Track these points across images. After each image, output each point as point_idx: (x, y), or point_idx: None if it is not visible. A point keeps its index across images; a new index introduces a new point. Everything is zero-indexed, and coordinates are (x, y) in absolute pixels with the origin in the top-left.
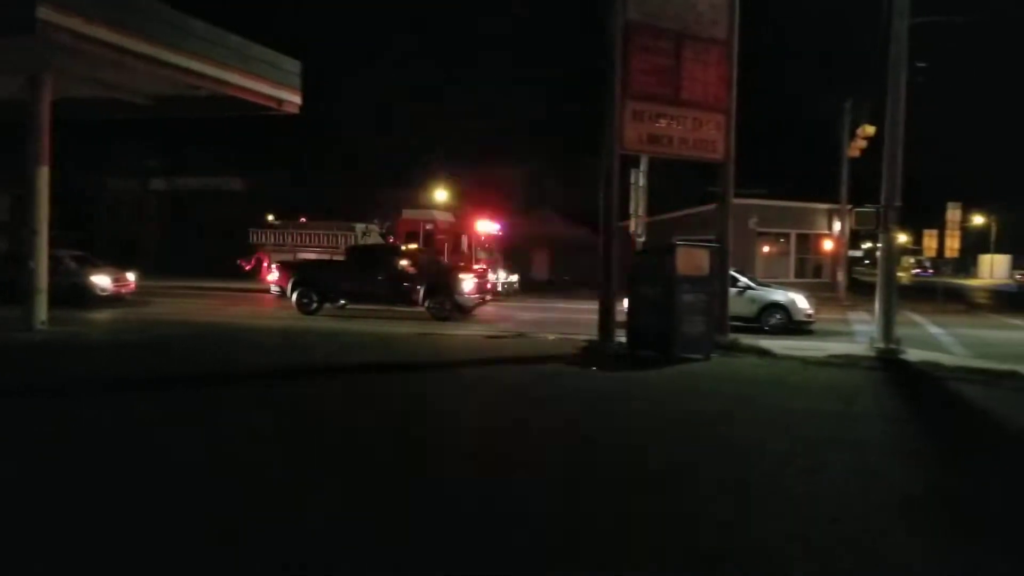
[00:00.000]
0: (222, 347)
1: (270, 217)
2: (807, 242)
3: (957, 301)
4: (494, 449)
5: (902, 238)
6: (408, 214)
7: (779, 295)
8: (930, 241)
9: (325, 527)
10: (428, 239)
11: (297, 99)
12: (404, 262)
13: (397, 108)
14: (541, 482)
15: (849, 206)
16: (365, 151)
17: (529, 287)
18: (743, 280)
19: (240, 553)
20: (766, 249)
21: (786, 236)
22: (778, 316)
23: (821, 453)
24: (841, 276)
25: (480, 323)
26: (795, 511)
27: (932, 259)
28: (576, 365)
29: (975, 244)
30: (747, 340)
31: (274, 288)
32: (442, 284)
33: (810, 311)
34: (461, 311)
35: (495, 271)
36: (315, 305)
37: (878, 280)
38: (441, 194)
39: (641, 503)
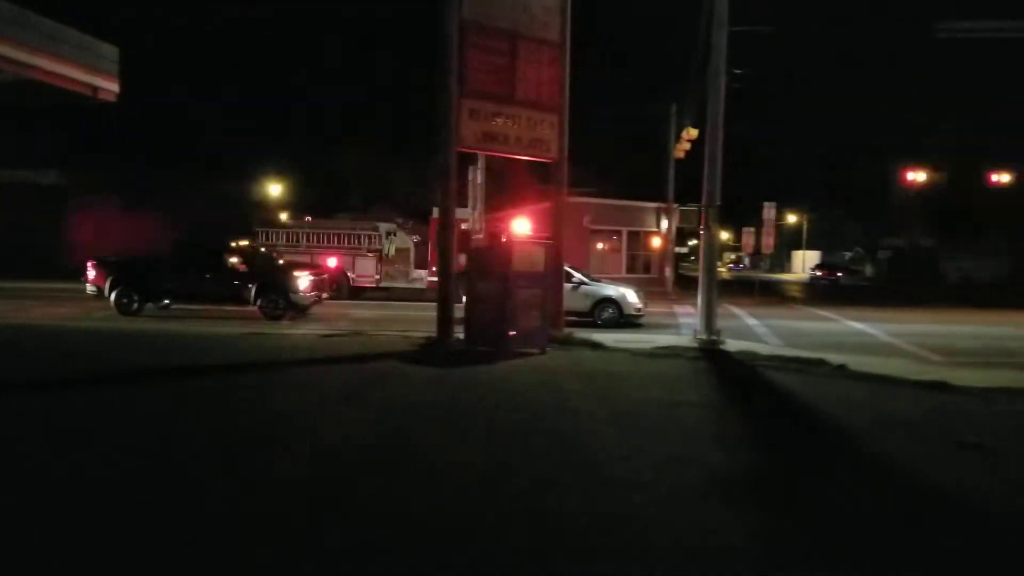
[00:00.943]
0: None
1: (283, 216)
2: (637, 239)
3: (771, 294)
4: (321, 444)
5: (724, 235)
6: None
7: (611, 290)
8: (748, 238)
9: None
10: (464, 241)
11: (114, 87)
12: (234, 259)
13: (240, 98)
14: (373, 475)
15: (675, 205)
16: (205, 142)
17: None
18: (577, 276)
19: None
20: (600, 246)
21: (618, 233)
22: (610, 310)
23: (643, 439)
24: (668, 272)
25: (316, 322)
26: (610, 493)
27: (751, 255)
28: (413, 362)
29: (790, 241)
30: (581, 334)
31: (90, 288)
32: (275, 282)
33: (640, 305)
34: (296, 310)
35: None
36: (136, 305)
37: (700, 275)
38: (275, 188)
39: (458, 493)
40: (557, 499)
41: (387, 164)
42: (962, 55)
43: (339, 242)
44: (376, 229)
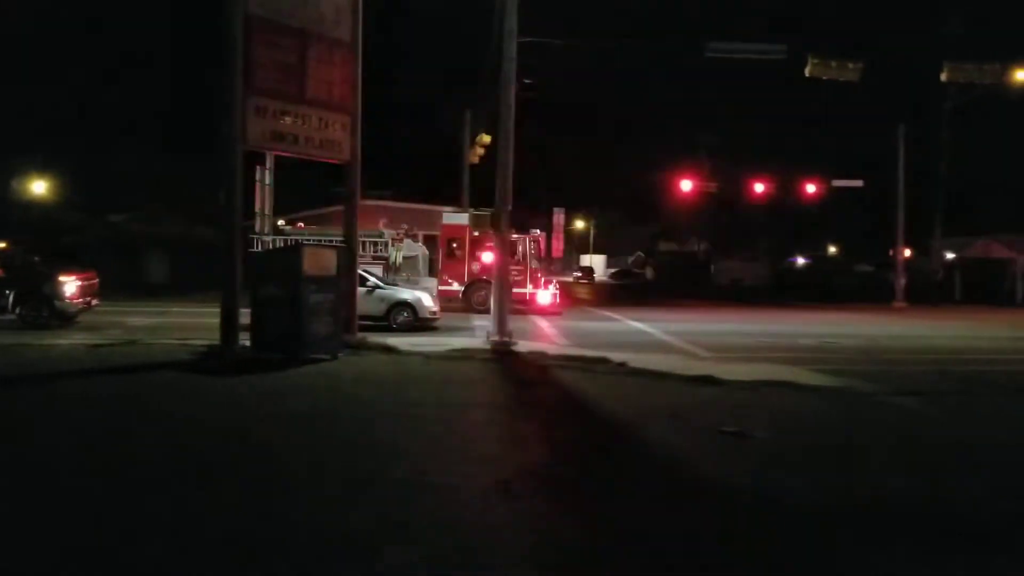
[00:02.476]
0: None
1: (281, 223)
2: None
3: (561, 296)
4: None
5: (413, 240)
6: (450, 219)
7: (406, 294)
8: (540, 242)
9: None
10: (476, 247)
11: None
12: None
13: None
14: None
15: (471, 209)
16: None
17: (147, 291)
18: (372, 279)
19: None
20: None
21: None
22: (405, 314)
23: (434, 441)
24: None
25: (86, 330)
26: (400, 496)
27: (541, 259)
28: (194, 372)
29: (580, 246)
30: (375, 338)
31: None
32: (37, 289)
33: (435, 309)
34: (62, 318)
35: (544, 281)
36: None
37: (493, 278)
38: (39, 186)
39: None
40: (343, 509)
41: (173, 163)
42: (733, 72)
43: None
44: (381, 236)
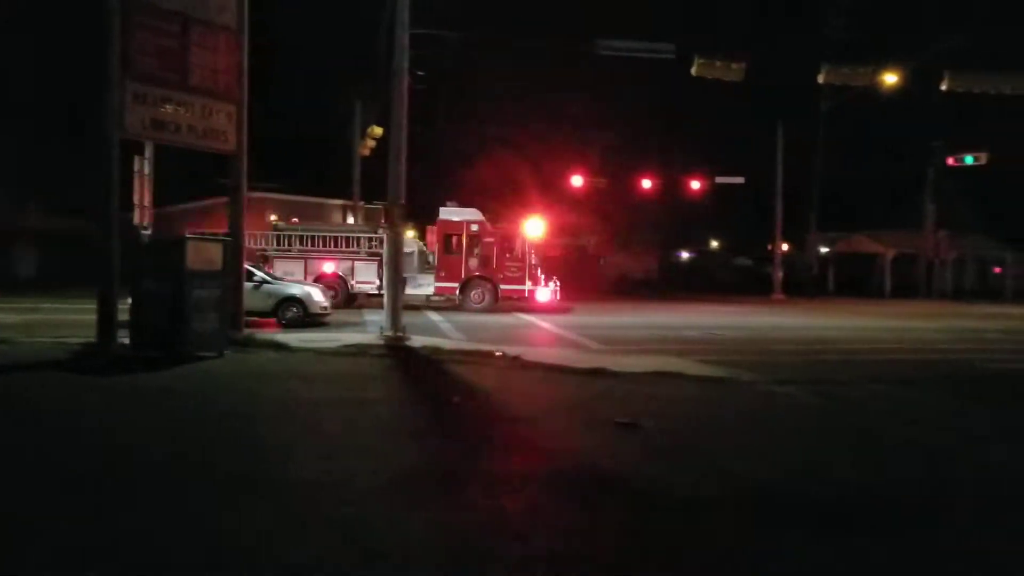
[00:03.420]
0: None
1: (272, 218)
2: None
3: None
4: None
5: (410, 233)
6: (447, 213)
7: (295, 289)
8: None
9: None
10: (473, 244)
11: None
12: None
13: None
14: None
15: (361, 203)
16: None
17: (12, 287)
18: (259, 274)
19: None
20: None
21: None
22: (295, 310)
23: (328, 440)
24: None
25: None
26: (297, 497)
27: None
28: (70, 371)
29: None
30: (264, 335)
31: None
32: None
33: (326, 304)
34: None
35: (543, 281)
36: None
37: (385, 273)
38: None
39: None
40: (237, 516)
41: (41, 151)
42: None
43: (336, 245)
44: (376, 231)
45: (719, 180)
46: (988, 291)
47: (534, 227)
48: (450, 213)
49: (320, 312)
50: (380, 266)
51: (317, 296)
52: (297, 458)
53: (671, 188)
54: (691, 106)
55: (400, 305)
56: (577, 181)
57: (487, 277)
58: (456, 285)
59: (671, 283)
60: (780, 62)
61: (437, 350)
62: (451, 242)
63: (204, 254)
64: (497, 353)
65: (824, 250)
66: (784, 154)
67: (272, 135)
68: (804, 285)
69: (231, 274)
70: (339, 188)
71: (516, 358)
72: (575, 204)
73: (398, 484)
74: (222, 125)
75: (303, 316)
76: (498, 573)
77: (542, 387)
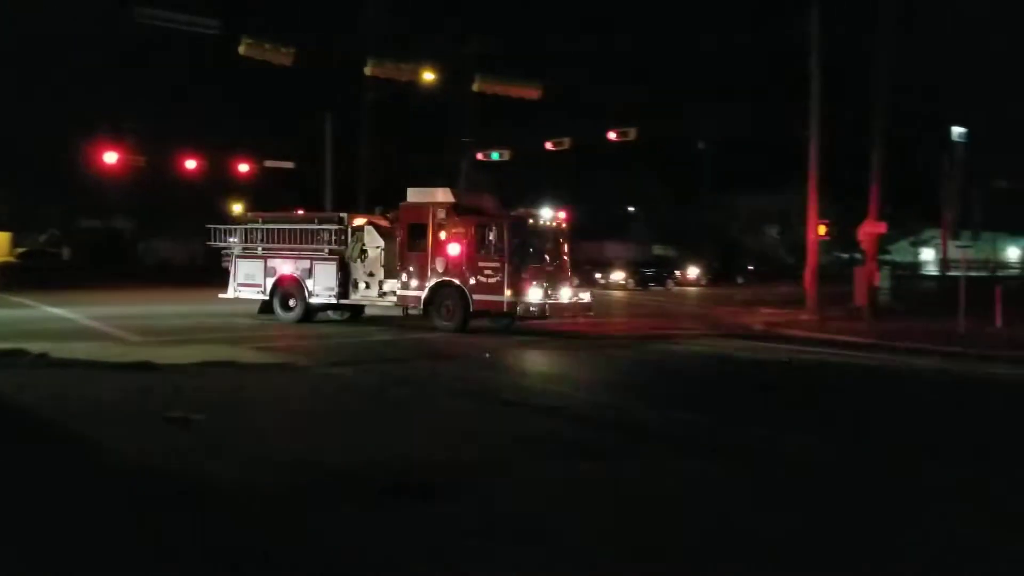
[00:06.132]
0: None
1: (236, 208)
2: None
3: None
4: None
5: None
6: (414, 195)
7: None
8: None
9: None
10: (439, 232)
11: None
12: None
13: None
14: None
15: None
16: None
17: None
18: None
19: None
20: None
21: None
22: None
23: None
24: None
25: None
26: None
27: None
28: None
29: None
30: None
31: None
32: None
33: None
34: None
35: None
36: None
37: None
38: None
39: None
40: None
41: None
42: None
43: (299, 239)
44: (340, 221)
45: (268, 164)
46: None
47: (528, 212)
48: (419, 195)
49: None
50: (339, 268)
51: None
52: None
53: (219, 170)
54: (242, 88)
55: None
56: (111, 158)
57: (456, 282)
58: (419, 293)
59: (219, 269)
60: (332, 51)
61: None
62: (416, 233)
63: None
64: (31, 351)
65: None
66: (334, 140)
67: None
68: None
69: None
70: None
71: (43, 355)
72: (108, 183)
73: None
74: None
75: None
76: None
77: (79, 387)
